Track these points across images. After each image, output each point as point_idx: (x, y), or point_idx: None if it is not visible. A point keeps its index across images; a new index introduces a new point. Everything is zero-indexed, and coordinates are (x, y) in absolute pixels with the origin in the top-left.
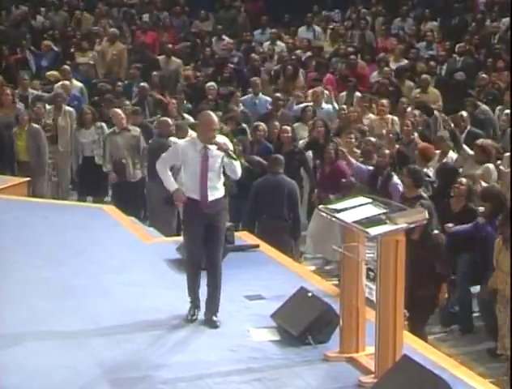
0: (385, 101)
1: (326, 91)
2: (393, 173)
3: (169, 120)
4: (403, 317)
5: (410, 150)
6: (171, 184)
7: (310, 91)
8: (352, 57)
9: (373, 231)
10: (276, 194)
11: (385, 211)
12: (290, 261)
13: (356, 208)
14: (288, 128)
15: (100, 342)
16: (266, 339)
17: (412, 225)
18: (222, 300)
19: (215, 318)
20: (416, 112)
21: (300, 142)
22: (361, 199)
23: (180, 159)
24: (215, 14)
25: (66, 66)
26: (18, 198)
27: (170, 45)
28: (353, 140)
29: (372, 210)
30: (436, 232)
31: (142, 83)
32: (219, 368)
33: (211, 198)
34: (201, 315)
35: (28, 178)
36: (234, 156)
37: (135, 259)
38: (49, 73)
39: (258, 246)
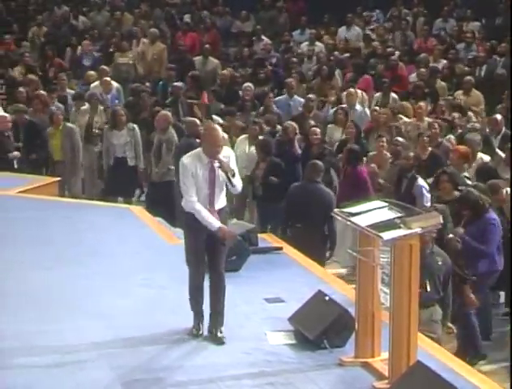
0: (423, 104)
1: (364, 94)
2: (417, 176)
3: (197, 120)
4: (417, 322)
5: (441, 153)
6: (211, 223)
7: (344, 92)
8: (393, 58)
9: (387, 235)
10: (312, 203)
11: (400, 215)
12: (313, 264)
13: (371, 212)
14: (318, 130)
15: (113, 343)
16: (282, 343)
17: (427, 230)
18: (240, 302)
19: (220, 335)
20: (456, 114)
21: (336, 144)
22: (377, 203)
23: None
24: (256, 15)
25: (103, 66)
26: (46, 197)
27: (208, 45)
28: (385, 144)
29: (387, 214)
30: (450, 236)
31: (175, 83)
32: (232, 371)
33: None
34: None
35: (59, 178)
36: (232, 178)
37: (156, 260)
38: (88, 73)
39: (281, 249)
